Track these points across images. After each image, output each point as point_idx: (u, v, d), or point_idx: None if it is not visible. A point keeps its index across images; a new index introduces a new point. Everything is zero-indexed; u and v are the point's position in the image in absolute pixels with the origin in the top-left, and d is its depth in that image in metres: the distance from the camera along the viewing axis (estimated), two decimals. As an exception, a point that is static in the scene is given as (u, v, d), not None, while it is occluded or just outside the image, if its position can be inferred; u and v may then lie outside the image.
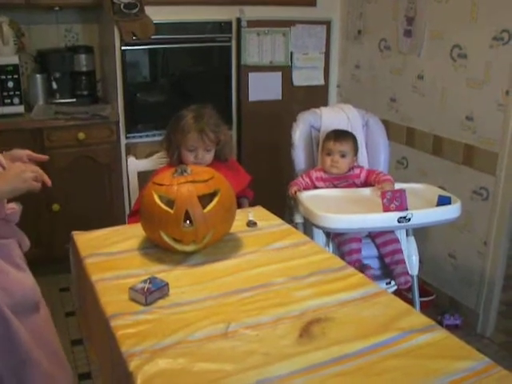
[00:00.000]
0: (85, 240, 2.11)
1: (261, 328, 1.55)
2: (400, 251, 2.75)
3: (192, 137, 2.52)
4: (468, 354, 1.42)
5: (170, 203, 1.92)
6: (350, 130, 2.98)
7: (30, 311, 1.80)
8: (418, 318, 1.60)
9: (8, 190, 1.70)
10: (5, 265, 1.74)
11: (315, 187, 2.82)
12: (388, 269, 2.75)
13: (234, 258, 1.99)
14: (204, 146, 2.54)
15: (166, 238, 1.93)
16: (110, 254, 1.97)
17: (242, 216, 2.27)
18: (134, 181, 2.81)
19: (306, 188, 2.80)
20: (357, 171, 2.86)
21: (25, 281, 1.82)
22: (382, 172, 2.85)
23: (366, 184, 2.82)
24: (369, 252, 2.78)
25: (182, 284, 1.79)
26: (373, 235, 2.80)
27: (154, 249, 2.02)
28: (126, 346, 1.45)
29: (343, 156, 2.80)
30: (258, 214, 2.38)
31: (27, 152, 1.88)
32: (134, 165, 2.82)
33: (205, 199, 1.94)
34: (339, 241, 2.76)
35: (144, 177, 2.69)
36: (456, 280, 3.49)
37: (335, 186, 2.82)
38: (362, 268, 2.57)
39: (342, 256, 2.68)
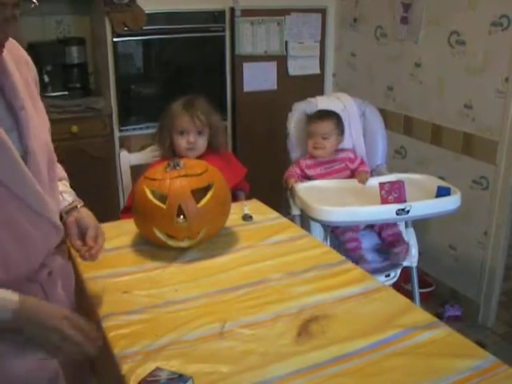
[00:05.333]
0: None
1: (258, 327, 1.50)
2: (400, 234, 2.70)
3: (183, 119, 2.46)
4: (472, 352, 1.37)
5: (162, 198, 1.86)
6: (347, 120, 2.94)
7: None
8: (420, 315, 1.55)
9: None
10: None
11: (306, 176, 2.78)
12: (388, 251, 2.70)
13: (229, 253, 1.93)
14: (195, 128, 2.47)
15: (159, 234, 1.88)
16: (103, 251, 1.90)
17: (237, 210, 2.22)
18: (126, 175, 2.75)
19: (299, 179, 2.76)
20: (351, 155, 2.85)
21: None
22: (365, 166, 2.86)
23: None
24: (367, 244, 2.73)
25: (176, 281, 1.74)
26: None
27: (148, 245, 1.97)
28: (118, 348, 1.41)
29: (325, 138, 2.78)
30: (253, 207, 2.33)
31: (98, 226, 1.63)
32: (127, 158, 2.76)
33: (199, 193, 1.88)
34: (338, 230, 2.71)
35: (138, 171, 2.62)
36: (456, 271, 3.44)
37: (327, 170, 2.78)
38: (362, 261, 2.53)
39: (343, 244, 2.64)
